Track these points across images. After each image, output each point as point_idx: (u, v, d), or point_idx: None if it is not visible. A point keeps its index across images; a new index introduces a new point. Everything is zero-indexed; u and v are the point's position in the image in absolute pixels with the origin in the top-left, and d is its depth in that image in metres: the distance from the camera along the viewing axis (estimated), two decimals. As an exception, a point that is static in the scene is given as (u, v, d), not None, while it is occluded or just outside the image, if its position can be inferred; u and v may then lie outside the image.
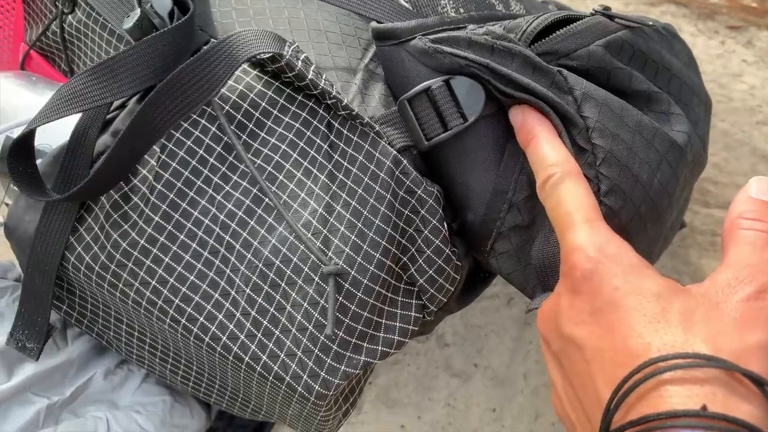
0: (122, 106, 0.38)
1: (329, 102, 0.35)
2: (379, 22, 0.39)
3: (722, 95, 0.74)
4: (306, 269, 0.34)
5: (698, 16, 0.82)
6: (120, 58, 0.34)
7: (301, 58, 0.35)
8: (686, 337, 0.24)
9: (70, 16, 0.44)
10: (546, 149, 0.32)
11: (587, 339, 0.26)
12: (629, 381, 0.24)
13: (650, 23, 0.39)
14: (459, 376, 0.55)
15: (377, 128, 0.35)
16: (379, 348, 0.35)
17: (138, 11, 0.35)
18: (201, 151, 0.36)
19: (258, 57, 0.35)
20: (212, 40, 0.38)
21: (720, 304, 0.25)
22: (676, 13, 0.82)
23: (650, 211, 0.35)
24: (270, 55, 0.34)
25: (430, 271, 0.36)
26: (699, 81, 0.45)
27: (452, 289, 0.37)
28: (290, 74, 0.35)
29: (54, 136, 0.38)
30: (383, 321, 0.36)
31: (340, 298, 0.34)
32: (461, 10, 0.40)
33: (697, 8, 0.83)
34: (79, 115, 0.36)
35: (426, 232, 0.35)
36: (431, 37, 0.36)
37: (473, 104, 0.35)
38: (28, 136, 0.34)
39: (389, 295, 0.36)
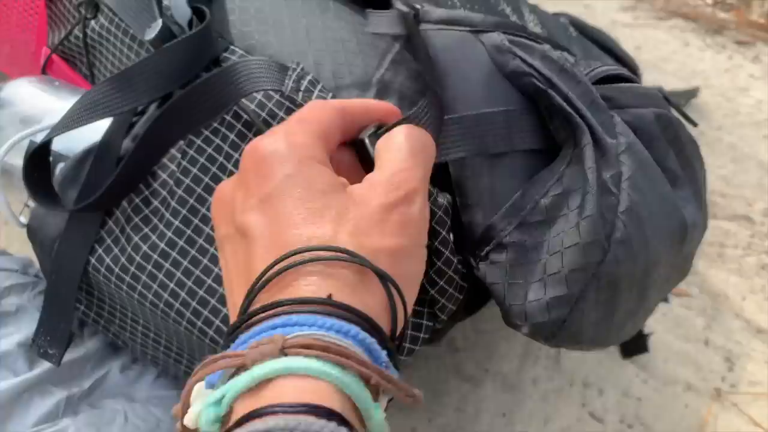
0: (143, 111, 0.39)
1: None
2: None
3: (729, 109, 0.75)
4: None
5: (706, 31, 0.83)
6: (137, 68, 0.35)
7: (303, 87, 0.36)
8: (335, 232, 0.25)
9: (92, 22, 0.45)
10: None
11: (253, 227, 0.26)
12: (273, 268, 0.24)
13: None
14: (469, 381, 0.55)
15: None
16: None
17: (160, 21, 0.36)
18: (221, 158, 0.36)
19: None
20: (231, 47, 0.39)
21: (370, 206, 0.26)
22: (685, 27, 0.83)
23: (643, 279, 0.35)
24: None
25: (441, 282, 0.36)
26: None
27: (461, 297, 0.38)
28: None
29: (74, 140, 0.39)
30: (396, 327, 0.36)
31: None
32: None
33: (705, 23, 0.83)
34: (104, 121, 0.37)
35: (436, 243, 0.36)
36: (509, 37, 0.37)
37: None
38: (44, 147, 0.35)
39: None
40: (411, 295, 0.28)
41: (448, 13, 0.40)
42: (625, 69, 0.56)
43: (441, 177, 0.38)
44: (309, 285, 0.24)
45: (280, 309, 0.23)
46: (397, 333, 0.26)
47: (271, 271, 0.24)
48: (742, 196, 0.67)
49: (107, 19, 0.43)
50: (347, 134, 0.31)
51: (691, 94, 0.74)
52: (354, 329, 0.23)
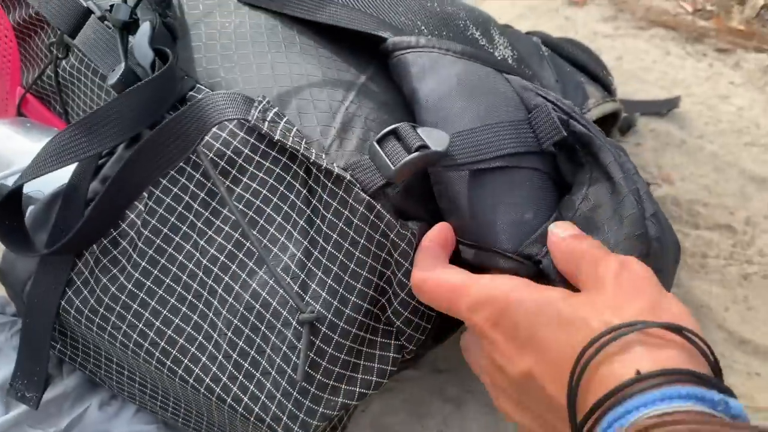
0: (111, 152, 0.40)
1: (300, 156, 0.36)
2: (367, 40, 0.43)
3: (711, 117, 0.75)
4: (285, 313, 0.35)
5: (687, 39, 0.83)
6: (102, 113, 0.35)
7: (269, 118, 0.36)
8: (599, 320, 0.28)
9: (64, 62, 0.45)
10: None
11: (532, 367, 0.29)
12: (576, 371, 0.27)
13: None
14: (452, 402, 0.55)
15: (348, 177, 0.36)
16: (357, 389, 0.36)
17: (122, 66, 0.37)
18: (187, 198, 0.37)
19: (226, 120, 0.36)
20: (197, 85, 0.40)
21: (600, 290, 0.30)
22: (665, 36, 0.83)
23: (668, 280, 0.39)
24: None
25: (406, 313, 0.37)
26: None
27: (429, 327, 0.38)
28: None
29: (44, 183, 0.39)
30: (362, 362, 0.37)
31: (317, 342, 0.35)
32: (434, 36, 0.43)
33: (685, 32, 0.84)
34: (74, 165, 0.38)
35: (400, 275, 0.36)
36: (526, 78, 0.43)
37: (438, 143, 0.36)
38: (14, 194, 0.36)
39: (368, 336, 0.37)
40: None
41: (446, 42, 0.42)
42: (599, 85, 0.57)
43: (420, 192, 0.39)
44: (615, 369, 0.26)
45: (608, 404, 0.26)
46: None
47: (577, 371, 0.27)
48: (723, 205, 0.67)
49: (77, 59, 0.44)
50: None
51: (673, 103, 0.74)
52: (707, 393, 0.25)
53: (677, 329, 0.27)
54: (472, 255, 0.38)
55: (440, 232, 0.37)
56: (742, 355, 0.55)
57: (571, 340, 0.28)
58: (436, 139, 0.36)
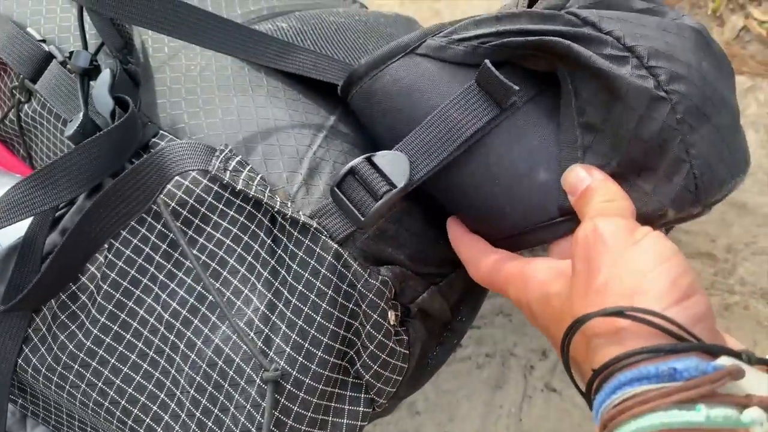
0: (72, 202, 0.38)
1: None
2: (335, 84, 0.40)
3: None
4: (248, 370, 0.34)
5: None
6: (59, 164, 0.34)
7: (231, 167, 0.35)
8: (570, 316, 0.29)
9: (26, 105, 0.44)
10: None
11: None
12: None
13: None
14: (431, 442, 0.54)
15: (315, 225, 0.35)
16: (324, 448, 0.35)
17: (80, 116, 0.36)
18: (147, 249, 0.36)
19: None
20: (161, 132, 0.39)
21: (573, 275, 0.31)
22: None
23: (714, 94, 0.33)
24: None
25: (375, 366, 0.36)
26: None
27: (400, 379, 0.37)
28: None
29: (1, 234, 0.38)
30: (330, 419, 0.36)
31: (282, 400, 0.34)
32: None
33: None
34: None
35: (368, 327, 0.35)
36: (441, 34, 0.37)
37: (399, 173, 0.35)
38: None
39: (336, 391, 0.36)
40: None
41: (372, 57, 0.39)
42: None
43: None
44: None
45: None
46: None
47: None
48: (705, 233, 0.66)
49: (39, 103, 0.43)
50: None
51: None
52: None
53: (615, 313, 0.27)
54: (520, 243, 0.37)
55: (457, 222, 0.38)
56: (724, 389, 0.55)
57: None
58: (396, 167, 0.35)
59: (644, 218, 0.33)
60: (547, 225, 0.35)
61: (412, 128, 0.36)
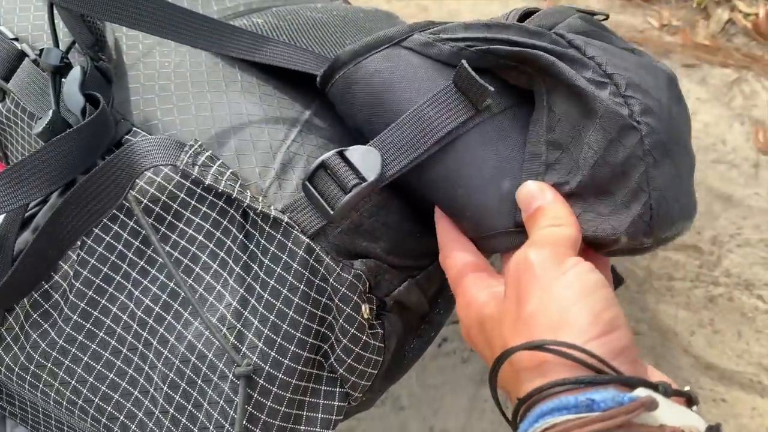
0: (44, 200, 0.38)
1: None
2: (311, 74, 0.40)
3: (678, 134, 0.75)
4: (221, 366, 0.34)
5: (654, 55, 0.83)
6: (28, 162, 0.34)
7: (200, 162, 0.35)
8: (500, 345, 0.31)
9: (0, 105, 0.44)
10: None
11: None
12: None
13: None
14: (417, 437, 0.54)
15: (286, 219, 0.35)
16: (299, 443, 0.35)
17: (50, 113, 0.36)
18: (120, 246, 0.36)
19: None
20: (134, 129, 0.39)
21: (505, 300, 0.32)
22: (630, 53, 0.83)
23: (678, 137, 0.34)
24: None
25: (349, 360, 0.36)
26: None
27: (375, 372, 0.37)
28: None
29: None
30: (304, 413, 0.35)
31: (255, 395, 0.34)
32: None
33: (652, 48, 0.83)
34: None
35: (341, 320, 0.35)
36: (429, 30, 0.37)
37: (370, 168, 0.35)
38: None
39: (310, 385, 0.36)
40: None
41: (356, 45, 0.39)
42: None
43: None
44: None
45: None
46: None
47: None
48: (691, 225, 0.66)
49: (13, 102, 0.43)
50: None
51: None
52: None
53: (537, 347, 0.28)
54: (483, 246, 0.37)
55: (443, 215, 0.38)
56: (708, 381, 0.55)
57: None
58: (368, 162, 0.35)
59: (597, 241, 0.34)
60: (501, 234, 0.35)
61: (389, 122, 0.37)
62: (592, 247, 0.35)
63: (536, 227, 0.32)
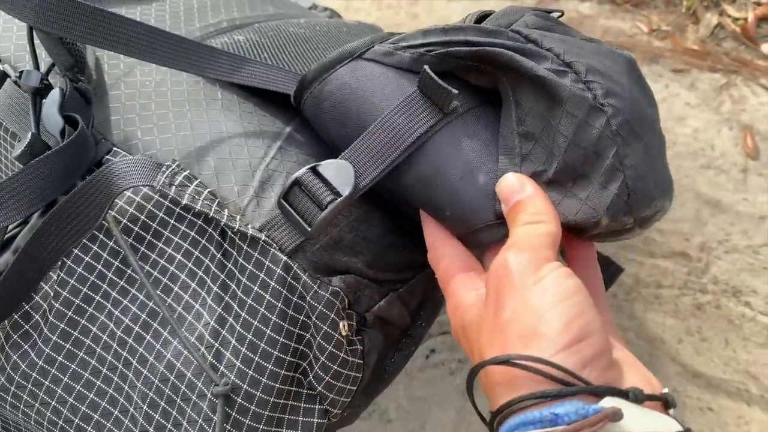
0: (25, 221, 0.39)
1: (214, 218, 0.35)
2: (285, 94, 0.41)
3: (668, 140, 0.75)
4: (200, 385, 0.34)
5: (642, 60, 0.83)
6: (5, 186, 0.34)
7: (177, 182, 0.35)
8: (478, 355, 0.32)
9: (-17, 125, 0.45)
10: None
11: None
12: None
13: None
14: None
15: (263, 237, 0.35)
16: (277, 461, 0.35)
17: (29, 135, 0.36)
18: (99, 266, 0.36)
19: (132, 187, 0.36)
20: (114, 149, 0.39)
21: (484, 307, 0.33)
22: (619, 59, 0.83)
23: (645, 118, 0.34)
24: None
25: (327, 377, 0.36)
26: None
27: (354, 389, 0.37)
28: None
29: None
30: (283, 431, 0.36)
31: (234, 413, 0.34)
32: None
33: (641, 52, 0.84)
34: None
35: (319, 338, 0.35)
36: (389, 41, 0.38)
37: (344, 182, 0.35)
38: None
39: (289, 403, 0.36)
40: None
41: (321, 62, 0.40)
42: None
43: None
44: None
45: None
46: None
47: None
48: (679, 232, 0.66)
49: (-5, 122, 0.43)
50: None
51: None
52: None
53: (504, 362, 0.28)
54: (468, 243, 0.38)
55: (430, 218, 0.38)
56: (695, 390, 0.54)
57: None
58: (341, 176, 0.36)
59: (578, 226, 0.34)
60: (484, 228, 0.35)
61: (360, 133, 0.37)
62: (574, 233, 0.35)
63: (516, 223, 0.33)
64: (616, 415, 0.25)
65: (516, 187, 0.34)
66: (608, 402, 0.27)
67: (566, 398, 0.27)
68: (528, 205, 0.33)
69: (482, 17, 0.39)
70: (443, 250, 0.37)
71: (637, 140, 0.33)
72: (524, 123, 0.35)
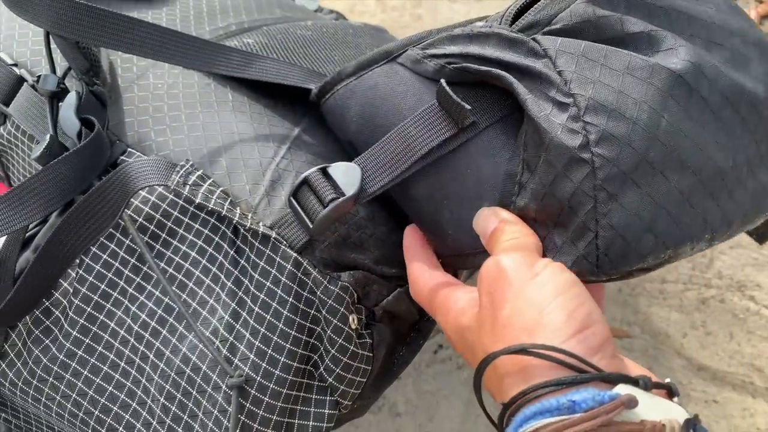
0: (44, 220, 0.40)
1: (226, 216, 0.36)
2: (301, 91, 0.41)
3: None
4: (215, 377, 0.35)
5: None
6: (26, 186, 0.36)
7: (190, 181, 0.37)
8: (482, 351, 0.31)
9: (1, 128, 0.46)
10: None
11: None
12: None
13: None
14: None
15: (274, 235, 0.36)
16: (292, 450, 0.36)
17: (47, 137, 0.37)
18: (116, 264, 0.37)
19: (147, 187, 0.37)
20: (129, 150, 0.40)
21: (481, 310, 0.32)
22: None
23: (665, 157, 0.31)
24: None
25: (337, 370, 0.37)
26: (741, 23, 0.38)
27: (364, 381, 0.38)
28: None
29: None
30: (295, 421, 0.37)
31: (248, 405, 0.35)
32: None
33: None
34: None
35: (329, 331, 0.36)
36: (421, 45, 0.37)
37: (350, 183, 0.36)
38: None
39: (301, 394, 0.37)
40: None
41: (359, 60, 0.40)
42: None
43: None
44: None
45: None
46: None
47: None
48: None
49: (13, 125, 0.44)
50: None
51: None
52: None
53: (516, 351, 0.28)
54: (458, 263, 0.38)
55: (413, 234, 0.38)
56: (700, 382, 0.55)
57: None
58: (348, 178, 0.36)
59: None
60: (483, 252, 0.35)
61: (380, 137, 0.37)
62: None
63: (498, 244, 0.33)
64: (631, 402, 0.26)
65: (491, 220, 0.34)
66: (622, 389, 0.27)
67: (581, 385, 0.27)
68: (505, 230, 0.33)
69: (529, 4, 0.36)
70: (427, 270, 0.37)
71: (632, 191, 0.31)
72: (527, 149, 0.33)
